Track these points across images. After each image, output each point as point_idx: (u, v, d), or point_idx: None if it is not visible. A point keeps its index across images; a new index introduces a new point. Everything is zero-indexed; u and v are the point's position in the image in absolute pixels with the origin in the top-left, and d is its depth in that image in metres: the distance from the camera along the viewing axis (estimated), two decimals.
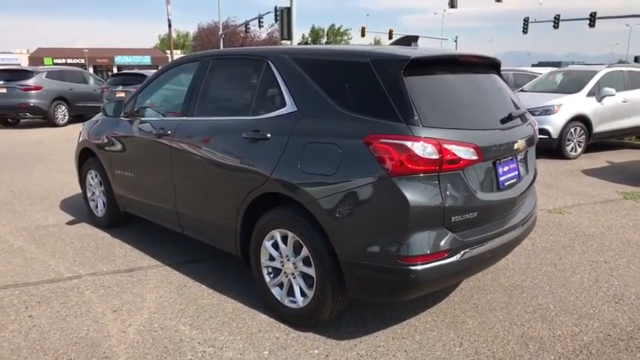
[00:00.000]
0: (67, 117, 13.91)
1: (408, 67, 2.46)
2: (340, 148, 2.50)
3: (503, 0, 26.83)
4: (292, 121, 2.77)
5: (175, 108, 3.87)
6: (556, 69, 12.02)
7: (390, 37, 45.01)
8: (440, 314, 3.05)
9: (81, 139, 4.85)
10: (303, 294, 2.82)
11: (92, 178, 4.78)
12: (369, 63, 2.57)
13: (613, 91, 8.37)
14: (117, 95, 13.57)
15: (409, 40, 3.05)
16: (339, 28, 61.05)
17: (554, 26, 35.31)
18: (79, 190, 6.14)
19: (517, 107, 3.07)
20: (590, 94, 8.46)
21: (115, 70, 50.65)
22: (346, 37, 61.77)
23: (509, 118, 2.82)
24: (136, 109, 4.12)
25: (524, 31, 37.04)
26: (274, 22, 33.12)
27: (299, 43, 67.61)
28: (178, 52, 59.79)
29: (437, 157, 2.34)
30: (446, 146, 2.36)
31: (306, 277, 2.79)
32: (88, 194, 4.91)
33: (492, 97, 2.95)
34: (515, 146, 2.79)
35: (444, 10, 60.16)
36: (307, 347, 2.69)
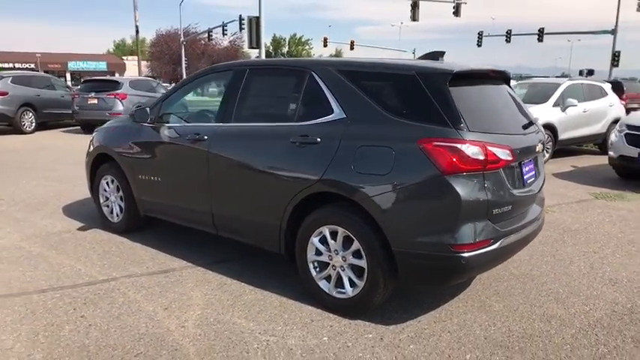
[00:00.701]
0: (34, 124, 13.47)
1: (451, 79, 2.80)
2: (394, 150, 2.79)
3: (460, 15, 28.06)
4: (342, 126, 3.04)
5: (208, 114, 4.04)
6: (522, 81, 12.85)
7: (352, 48, 45.98)
8: (468, 300, 3.39)
9: (96, 145, 4.89)
10: (352, 284, 3.07)
11: (107, 184, 4.83)
12: (414, 75, 2.88)
13: (575, 101, 9.13)
14: (89, 102, 13.33)
15: (436, 56, 3.39)
16: (300, 38, 61.70)
17: (506, 40, 37.29)
18: (76, 198, 6.17)
19: (529, 115, 3.47)
20: (555, 105, 9.19)
21: (68, 76, 48.88)
22: (307, 47, 62.57)
23: (530, 124, 3.22)
24: (161, 116, 4.25)
25: (479, 44, 38.86)
26: (239, 30, 33.21)
27: None
28: (136, 58, 58.44)
29: (483, 157, 2.68)
30: (489, 148, 2.71)
31: (355, 268, 3.05)
32: (101, 200, 4.95)
33: (511, 105, 3.34)
34: (536, 149, 3.19)
35: (402, 23, 62.04)
36: (361, 332, 2.95)
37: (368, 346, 2.80)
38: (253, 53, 66.72)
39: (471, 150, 2.65)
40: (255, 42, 22.91)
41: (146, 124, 4.30)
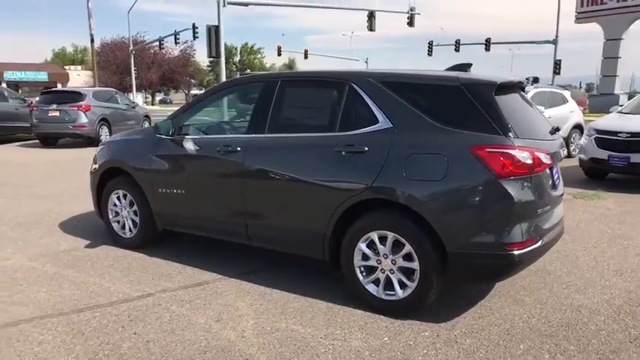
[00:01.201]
0: None
1: (496, 89, 3.03)
2: (446, 157, 2.98)
3: (414, 25, 29.08)
4: (389, 135, 3.19)
5: (235, 126, 4.06)
6: None
7: (306, 57, 46.48)
8: (500, 296, 3.62)
9: (104, 160, 4.78)
10: (402, 286, 3.22)
11: (118, 199, 4.72)
12: (460, 86, 3.10)
13: (542, 108, 9.77)
14: (50, 115, 12.76)
15: (464, 67, 3.62)
16: (252, 47, 61.49)
17: (455, 49, 38.99)
18: (68, 214, 5.97)
19: (548, 121, 3.77)
20: None
21: (4, 86, 46.05)
22: (259, 56, 62.48)
23: (556, 130, 3.51)
24: (181, 128, 4.23)
25: (429, 53, 40.37)
26: (193, 38, 32.78)
27: (211, 61, 66.55)
28: (79, 67, 56.11)
29: (531, 161, 2.92)
30: (536, 153, 2.95)
31: (405, 270, 3.20)
32: (111, 216, 4.83)
33: (535, 112, 3.62)
34: (562, 153, 3.48)
35: (352, 33, 63.29)
36: (417, 331, 3.09)
37: (429, 344, 2.95)
38: (205, 62, 65.84)
39: (521, 155, 2.88)
40: (215, 51, 22.72)
41: (166, 137, 4.27)
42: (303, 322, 3.22)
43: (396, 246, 3.20)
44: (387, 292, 3.28)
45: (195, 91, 66.59)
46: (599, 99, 31.96)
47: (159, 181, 4.33)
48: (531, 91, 10.31)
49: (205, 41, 22.44)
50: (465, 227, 2.95)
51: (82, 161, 11.15)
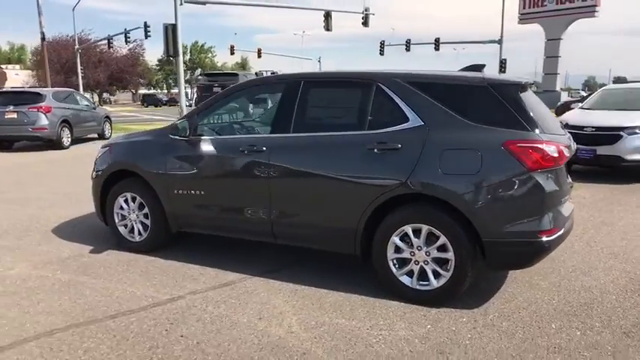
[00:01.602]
0: None
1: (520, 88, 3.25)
2: (480, 152, 3.16)
3: (369, 25, 29.58)
4: (422, 133, 3.34)
5: (255, 126, 4.07)
6: None
7: (259, 56, 46.18)
8: (518, 282, 3.86)
9: (109, 163, 4.65)
10: (436, 276, 3.38)
11: (126, 202, 4.61)
12: (487, 86, 3.29)
13: None
14: (7, 117, 12.07)
15: (479, 68, 3.83)
16: (202, 45, 60.26)
17: (406, 49, 40.01)
18: (57, 220, 5.77)
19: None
20: None
21: None
22: (210, 55, 61.34)
23: (566, 126, 3.78)
24: (196, 128, 4.20)
25: (381, 52, 41.18)
26: (144, 37, 31.77)
27: (160, 59, 64.76)
28: (17, 67, 52.92)
29: (557, 155, 3.16)
30: (560, 147, 3.19)
31: (439, 261, 3.36)
32: (116, 220, 4.71)
33: (546, 109, 3.89)
34: (573, 148, 3.76)
35: (304, 32, 63.56)
36: (455, 318, 3.27)
37: (470, 328, 3.13)
38: (153, 62, 63.86)
39: (549, 148, 3.12)
40: (172, 50, 22.13)
41: (181, 138, 4.23)
42: (345, 316, 3.32)
43: (431, 238, 3.36)
44: (421, 282, 3.44)
45: (143, 91, 64.60)
46: (542, 95, 33.56)
47: (175, 183, 4.27)
48: None
49: (163, 40, 21.85)
50: (500, 217, 3.15)
51: (48, 165, 10.70)
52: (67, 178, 8.85)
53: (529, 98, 3.46)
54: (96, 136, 15.48)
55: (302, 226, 3.82)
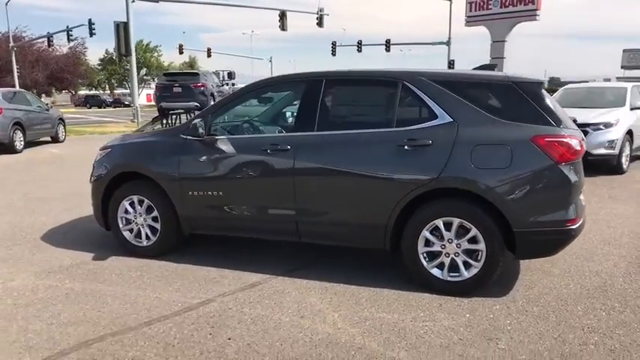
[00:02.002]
0: None
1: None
2: (510, 147, 3.32)
3: (323, 25, 29.82)
4: (452, 129, 3.46)
5: (273, 124, 4.04)
6: None
7: (209, 56, 45.29)
8: (532, 270, 4.06)
9: (114, 165, 4.46)
10: (467, 267, 3.51)
11: (131, 205, 4.44)
12: (511, 84, 3.46)
13: None
14: None
15: (492, 67, 4.01)
16: (147, 44, 58.22)
17: (357, 50, 40.61)
18: (43, 228, 5.53)
19: None
20: None
21: None
22: (156, 54, 59.40)
23: (575, 120, 4.03)
24: (209, 128, 4.12)
25: (333, 53, 41.56)
26: (89, 35, 30.40)
27: (102, 59, 61.92)
28: None
29: (579, 148, 3.37)
30: (580, 140, 3.41)
31: (470, 252, 3.49)
32: (121, 225, 4.51)
33: (559, 105, 4.10)
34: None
35: (252, 32, 63.02)
36: (488, 306, 3.41)
37: (506, 314, 3.28)
38: (94, 61, 60.97)
39: (573, 142, 3.33)
40: (124, 49, 21.35)
41: (194, 138, 4.12)
42: (384, 310, 3.37)
43: (461, 230, 3.48)
44: (452, 274, 3.56)
45: (85, 92, 61.53)
46: None
47: (189, 184, 4.16)
48: None
49: (114, 38, 21.01)
50: (530, 208, 3.33)
51: (4, 170, 9.98)
52: (33, 183, 8.34)
53: (547, 95, 3.66)
54: (49, 139, 14.63)
55: (329, 223, 3.84)
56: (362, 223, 3.73)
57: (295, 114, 3.98)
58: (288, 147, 3.82)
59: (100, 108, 50.21)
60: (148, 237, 4.45)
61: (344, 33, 51.18)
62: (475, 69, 4.11)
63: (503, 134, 3.38)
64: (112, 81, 65.08)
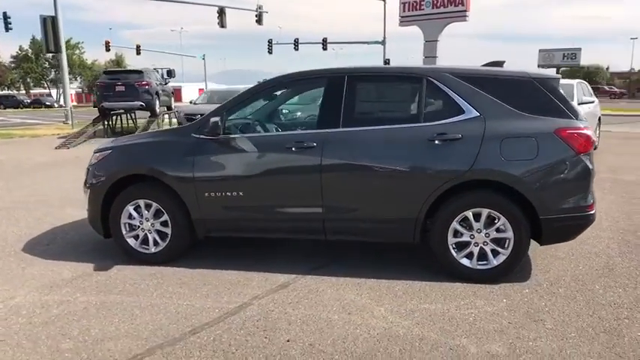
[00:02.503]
0: None
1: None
2: (535, 139, 3.51)
3: (263, 23, 29.52)
4: (479, 123, 3.60)
5: (295, 121, 3.97)
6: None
7: (138, 53, 43.24)
8: (542, 256, 4.31)
9: (117, 167, 4.18)
10: (495, 255, 3.67)
11: (137, 210, 4.19)
12: (531, 80, 3.66)
13: None
14: None
15: (500, 64, 4.19)
16: (68, 41, 54.43)
17: (294, 48, 40.65)
18: (21, 238, 5.08)
19: None
20: None
21: None
22: (78, 51, 55.75)
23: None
24: (226, 127, 3.98)
25: (270, 51, 41.31)
26: (5, 29, 28.01)
27: (16, 56, 57.09)
28: None
29: (595, 139, 3.63)
30: (594, 132, 3.67)
31: (498, 241, 3.66)
32: (124, 231, 4.24)
33: None
34: None
35: (182, 28, 60.96)
36: (519, 290, 3.58)
37: (538, 297, 3.47)
38: (5, 58, 55.99)
39: (589, 133, 3.58)
40: (53, 45, 19.91)
41: (209, 137, 3.97)
42: (426, 301, 3.44)
43: (490, 220, 3.64)
44: (480, 262, 3.71)
45: None
46: None
47: (206, 185, 3.99)
48: None
49: (41, 34, 19.54)
50: (556, 196, 3.54)
51: None
52: None
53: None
54: None
55: (358, 220, 3.85)
56: (393, 218, 3.78)
57: (319, 111, 3.94)
58: (314, 144, 3.78)
59: (17, 109, 46.32)
60: (156, 243, 4.22)
61: (280, 31, 50.71)
62: (485, 65, 4.28)
63: (528, 127, 3.56)
64: (28, 80, 60.29)
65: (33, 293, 3.69)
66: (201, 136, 4.00)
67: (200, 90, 42.37)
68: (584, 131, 3.56)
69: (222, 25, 27.50)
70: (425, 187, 3.65)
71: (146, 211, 4.18)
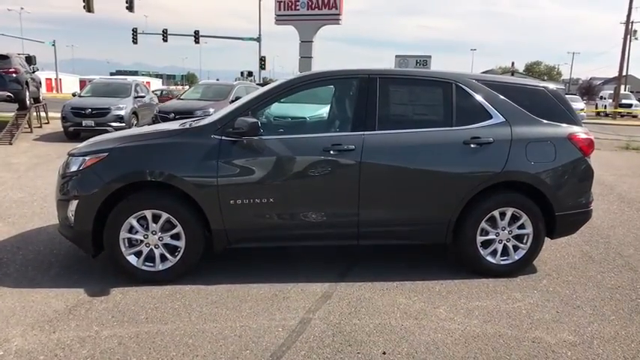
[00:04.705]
0: None
1: None
2: (554, 143, 3.89)
3: (134, 11, 27.16)
4: (506, 128, 3.85)
5: (324, 122, 3.77)
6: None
7: None
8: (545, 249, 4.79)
9: (119, 174, 3.55)
10: (516, 250, 3.98)
11: (140, 222, 3.61)
12: (543, 89, 4.04)
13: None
14: None
15: (513, 72, 4.53)
16: None
17: (163, 39, 38.12)
18: None
19: None
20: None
21: None
22: None
23: None
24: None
25: (134, 41, 38.19)
26: None
27: None
28: None
29: (594, 143, 4.14)
30: None
31: (518, 237, 3.97)
32: (123, 248, 3.63)
33: None
34: None
35: (22, 9, 53.17)
36: (538, 281, 3.93)
37: (559, 285, 3.85)
38: None
39: (592, 138, 4.07)
40: None
41: (232, 138, 3.61)
42: (472, 298, 3.59)
43: (513, 218, 3.93)
44: (502, 258, 3.98)
45: None
46: None
47: (231, 192, 3.60)
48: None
49: None
50: (568, 194, 3.96)
51: None
52: None
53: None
54: None
55: (393, 223, 3.83)
56: (428, 220, 3.85)
57: (353, 112, 3.81)
58: (353, 146, 3.67)
59: None
60: (164, 259, 3.68)
61: (146, 20, 46.90)
62: (485, 73, 4.58)
63: (547, 132, 3.93)
64: None
65: (32, 332, 2.97)
66: (226, 138, 3.61)
67: (82, 82, 37.40)
68: (590, 136, 4.04)
69: (89, 9, 24.57)
70: (461, 188, 3.79)
71: (153, 224, 3.63)
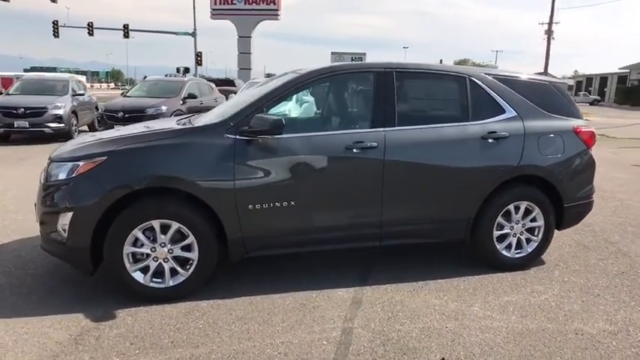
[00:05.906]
0: None
1: None
2: (562, 137, 3.95)
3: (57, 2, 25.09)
4: (518, 122, 3.86)
5: (340, 119, 3.57)
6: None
7: None
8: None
9: (126, 179, 3.13)
10: (528, 243, 4.02)
11: (147, 234, 3.24)
12: (549, 84, 4.10)
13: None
14: None
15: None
16: None
17: (89, 33, 35.74)
18: None
19: None
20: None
21: None
22: None
23: None
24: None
25: (56, 34, 35.53)
26: None
27: None
28: None
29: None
30: None
31: (530, 230, 4.00)
32: (127, 264, 3.24)
33: None
34: None
35: None
36: (550, 272, 3.99)
37: (572, 275, 3.94)
38: None
39: (594, 131, 4.19)
40: None
41: (248, 137, 3.32)
42: (500, 294, 3.56)
43: (526, 211, 3.95)
44: (517, 251, 4.01)
45: None
46: None
47: (250, 196, 3.31)
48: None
49: None
50: (575, 186, 4.04)
51: None
52: None
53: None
54: None
55: (415, 222, 3.71)
56: (450, 217, 3.78)
57: (372, 108, 3.63)
58: (375, 144, 3.50)
59: None
60: (174, 273, 3.32)
61: (68, 12, 43.46)
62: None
63: (555, 126, 3.98)
64: None
65: (49, 344, 2.53)
66: (240, 137, 3.30)
67: (4, 79, 33.75)
68: (592, 129, 4.16)
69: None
70: (482, 184, 3.75)
71: (162, 235, 3.25)
